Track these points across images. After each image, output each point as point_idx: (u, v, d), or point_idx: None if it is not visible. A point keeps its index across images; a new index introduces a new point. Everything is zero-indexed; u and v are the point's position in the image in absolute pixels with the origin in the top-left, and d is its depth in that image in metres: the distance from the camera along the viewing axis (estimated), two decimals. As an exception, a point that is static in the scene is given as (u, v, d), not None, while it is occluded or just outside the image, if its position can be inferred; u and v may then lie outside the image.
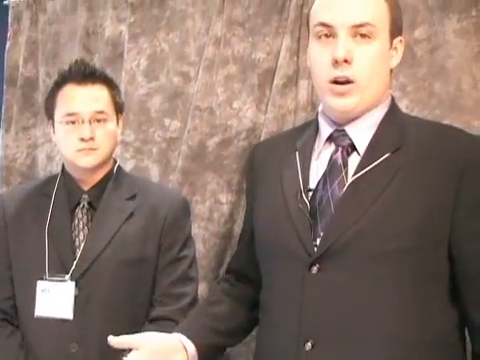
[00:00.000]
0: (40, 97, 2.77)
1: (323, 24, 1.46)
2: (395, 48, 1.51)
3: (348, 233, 1.41)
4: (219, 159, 2.38)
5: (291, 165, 1.55)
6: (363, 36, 1.44)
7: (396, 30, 1.50)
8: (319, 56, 1.48)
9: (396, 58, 1.52)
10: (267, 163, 1.62)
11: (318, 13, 1.49)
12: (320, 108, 1.57)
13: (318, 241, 1.43)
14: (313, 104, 2.23)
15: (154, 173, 2.51)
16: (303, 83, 2.24)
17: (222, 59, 2.38)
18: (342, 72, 1.44)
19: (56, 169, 2.71)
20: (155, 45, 2.54)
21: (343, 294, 1.40)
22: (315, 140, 1.55)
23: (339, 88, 1.45)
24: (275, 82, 2.28)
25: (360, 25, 1.43)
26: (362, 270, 1.40)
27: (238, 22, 2.37)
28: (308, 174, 1.51)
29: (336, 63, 1.43)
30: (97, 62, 2.57)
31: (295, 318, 1.43)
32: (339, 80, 1.45)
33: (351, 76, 1.44)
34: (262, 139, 2.26)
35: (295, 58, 2.26)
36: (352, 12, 1.44)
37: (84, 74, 1.95)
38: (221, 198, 2.36)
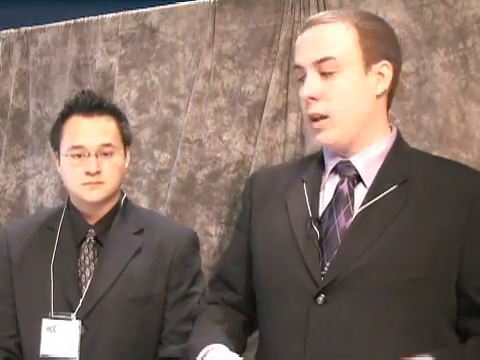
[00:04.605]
0: (30, 129, 2.78)
1: (296, 66, 1.53)
2: (380, 73, 1.49)
3: (355, 264, 1.40)
4: (208, 191, 2.37)
5: (298, 195, 1.54)
6: (329, 71, 1.46)
7: (374, 56, 1.48)
8: (300, 97, 1.54)
9: (383, 83, 1.50)
10: (270, 192, 1.61)
11: (294, 57, 1.55)
12: None
13: (324, 271, 1.43)
14: (302, 137, 2.23)
15: (143, 205, 2.50)
16: (292, 116, 2.24)
17: (212, 92, 2.39)
18: (312, 109, 1.48)
19: (46, 201, 2.71)
20: (145, 77, 2.55)
21: (349, 326, 1.39)
22: (322, 172, 1.56)
23: (314, 124, 1.49)
24: (264, 115, 2.29)
25: (321, 61, 1.46)
26: (368, 302, 1.39)
27: (228, 55, 2.38)
28: (317, 204, 1.51)
29: (306, 102, 1.48)
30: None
31: (299, 349, 1.41)
32: (315, 117, 1.48)
33: (323, 112, 1.47)
34: (251, 172, 2.26)
35: (284, 91, 2.27)
36: (313, 50, 1.47)
37: (91, 105, 1.89)
38: (210, 230, 2.35)
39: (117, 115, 1.95)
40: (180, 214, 2.40)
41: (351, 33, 1.47)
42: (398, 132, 1.57)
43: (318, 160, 1.59)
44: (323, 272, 1.43)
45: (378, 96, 1.50)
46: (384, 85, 1.50)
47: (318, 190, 1.53)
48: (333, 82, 1.46)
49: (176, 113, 2.48)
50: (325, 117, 1.47)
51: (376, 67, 1.49)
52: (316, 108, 1.47)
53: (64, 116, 1.92)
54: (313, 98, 1.46)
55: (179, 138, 2.45)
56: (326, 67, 1.46)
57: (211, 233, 2.35)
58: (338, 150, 1.52)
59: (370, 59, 1.47)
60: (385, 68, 1.50)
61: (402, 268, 1.39)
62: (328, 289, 1.41)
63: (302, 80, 1.51)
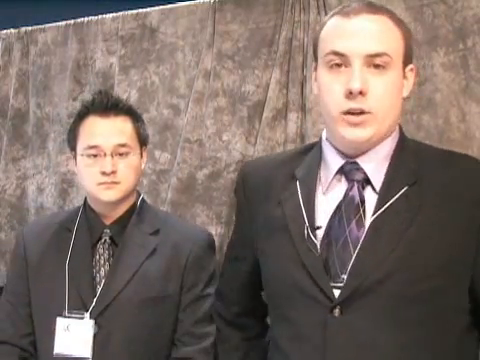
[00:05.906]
0: (30, 129, 2.78)
1: (336, 53, 1.39)
2: (406, 77, 1.45)
3: (373, 276, 1.35)
4: (208, 191, 2.38)
5: (292, 197, 1.46)
6: (377, 66, 1.38)
7: (408, 59, 1.44)
8: (330, 86, 1.40)
9: (407, 87, 1.46)
10: (265, 190, 1.53)
11: (330, 41, 1.41)
12: (324, 136, 1.51)
13: (339, 283, 1.37)
14: (302, 136, 2.24)
15: (144, 205, 2.50)
16: (292, 116, 2.24)
17: (212, 92, 2.39)
18: (357, 104, 1.37)
19: (46, 201, 2.71)
20: (145, 77, 2.55)
21: (368, 337, 1.35)
22: (318, 170, 1.48)
23: (354, 119, 1.38)
24: (264, 115, 2.29)
25: (376, 55, 1.37)
26: (386, 313, 1.35)
27: (228, 55, 2.38)
28: (313, 209, 1.43)
29: (350, 94, 1.37)
30: (87, 94, 2.57)
31: (318, 358, 1.37)
32: (355, 111, 1.38)
33: (367, 108, 1.37)
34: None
35: (284, 91, 2.27)
36: (367, 41, 1.37)
37: (107, 106, 1.89)
38: (210, 230, 2.33)
39: (133, 115, 1.95)
40: (180, 214, 2.40)
41: (398, 32, 1.42)
42: (400, 128, 1.50)
43: (314, 156, 1.51)
44: (337, 284, 1.37)
45: (403, 99, 1.47)
46: (408, 89, 1.47)
47: (314, 191, 1.45)
48: (382, 78, 1.38)
49: (176, 113, 2.48)
50: (367, 113, 1.38)
51: (407, 70, 1.45)
52: (361, 102, 1.36)
53: (81, 116, 1.92)
54: (361, 92, 1.35)
55: (179, 138, 2.45)
56: (378, 62, 1.37)
57: (211, 233, 2.34)
58: (357, 149, 1.43)
59: (406, 61, 1.44)
60: (410, 72, 1.46)
61: (419, 279, 1.34)
62: (344, 302, 1.35)
63: (337, 66, 1.39)
